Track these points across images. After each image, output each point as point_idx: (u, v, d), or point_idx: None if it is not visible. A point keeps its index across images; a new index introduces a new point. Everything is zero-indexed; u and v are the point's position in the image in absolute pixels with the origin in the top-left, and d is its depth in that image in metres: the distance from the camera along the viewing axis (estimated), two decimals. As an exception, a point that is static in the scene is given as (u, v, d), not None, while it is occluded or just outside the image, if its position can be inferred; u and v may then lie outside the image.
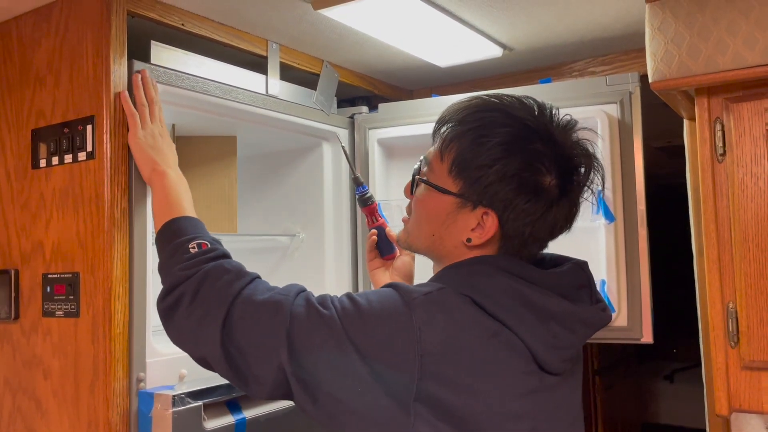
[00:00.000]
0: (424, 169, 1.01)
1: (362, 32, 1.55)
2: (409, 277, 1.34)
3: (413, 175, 1.04)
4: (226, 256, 1.08)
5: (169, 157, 1.25)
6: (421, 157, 1.04)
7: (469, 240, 0.95)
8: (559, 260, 1.02)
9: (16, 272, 1.37)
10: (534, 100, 0.98)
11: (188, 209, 1.18)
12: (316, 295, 0.96)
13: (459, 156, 0.94)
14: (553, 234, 0.98)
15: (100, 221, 1.23)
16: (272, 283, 1.02)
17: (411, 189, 1.05)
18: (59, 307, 1.28)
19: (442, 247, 0.99)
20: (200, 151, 1.74)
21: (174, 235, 1.11)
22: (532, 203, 0.92)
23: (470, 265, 0.95)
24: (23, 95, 1.38)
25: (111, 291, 1.21)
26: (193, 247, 1.07)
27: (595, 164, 0.99)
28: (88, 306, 1.24)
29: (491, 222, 0.93)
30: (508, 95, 0.99)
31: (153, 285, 1.30)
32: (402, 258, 1.34)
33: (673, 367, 4.27)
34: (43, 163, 1.33)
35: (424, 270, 1.14)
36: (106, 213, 1.22)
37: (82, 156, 1.27)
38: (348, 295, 0.92)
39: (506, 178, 0.91)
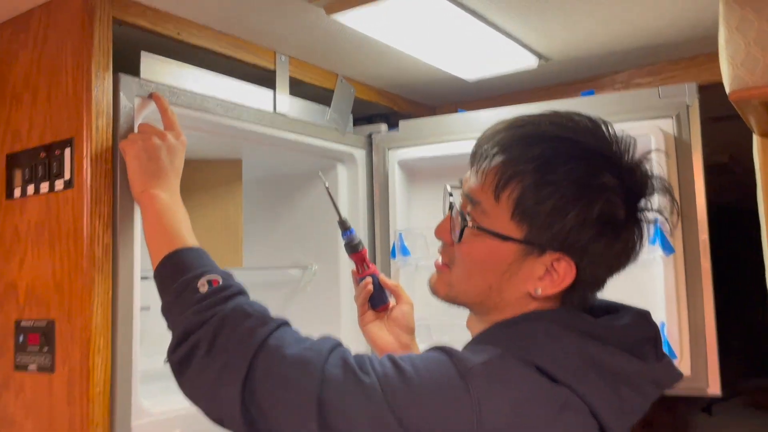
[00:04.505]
0: (470, 209, 0.84)
1: (381, 41, 1.38)
2: (410, 329, 1.17)
3: (461, 218, 0.85)
4: (242, 293, 0.94)
5: (168, 177, 1.07)
6: (451, 192, 0.89)
7: (536, 291, 0.81)
8: (613, 307, 0.88)
9: (-12, 317, 1.19)
10: (588, 117, 0.83)
11: (189, 238, 1.01)
12: (353, 352, 0.81)
13: (523, 198, 0.79)
14: (617, 272, 0.85)
15: (78, 260, 1.06)
16: None
17: (454, 233, 0.86)
18: (32, 359, 1.10)
19: (500, 301, 0.84)
20: (201, 176, 1.57)
21: (178, 271, 0.95)
22: (611, 245, 0.80)
23: (528, 323, 0.81)
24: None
25: (90, 343, 1.03)
26: (204, 285, 0.92)
27: (666, 187, 0.85)
28: (64, 360, 1.06)
29: (566, 269, 0.80)
30: (557, 113, 0.84)
31: (142, 335, 1.12)
32: (400, 308, 1.17)
33: (710, 399, 4.00)
34: (17, 192, 1.17)
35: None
36: (85, 250, 1.05)
37: (59, 184, 1.10)
38: (391, 359, 0.77)
39: (586, 223, 0.78)
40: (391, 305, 1.18)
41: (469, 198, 0.84)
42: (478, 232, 0.82)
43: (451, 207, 0.88)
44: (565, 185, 0.78)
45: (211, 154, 1.57)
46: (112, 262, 1.08)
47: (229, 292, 0.92)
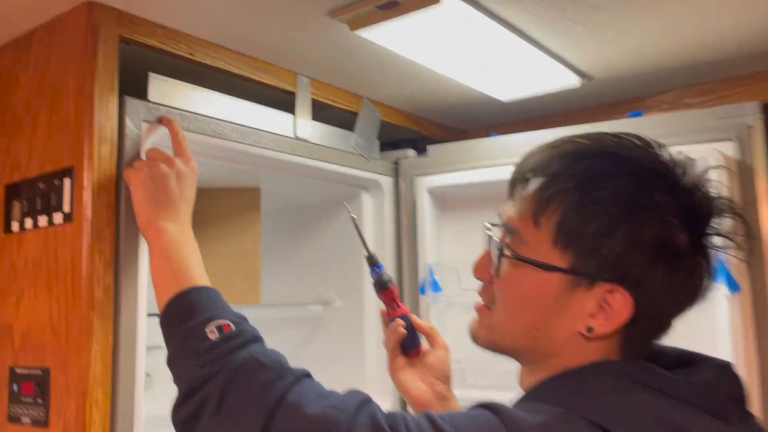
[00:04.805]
0: (508, 240, 0.74)
1: (408, 59, 1.27)
2: (446, 377, 1.05)
3: (498, 250, 0.74)
4: (257, 339, 0.84)
5: (177, 208, 0.97)
6: (490, 228, 0.78)
7: (589, 329, 0.70)
8: (688, 358, 0.76)
9: (-19, 362, 1.09)
10: (636, 136, 0.74)
11: (198, 276, 0.91)
12: (383, 408, 0.70)
13: (565, 221, 0.70)
14: (683, 311, 0.73)
15: (76, 302, 0.95)
16: (303, 362, 0.79)
17: (492, 267, 0.75)
18: (26, 411, 1.00)
19: (549, 343, 0.72)
20: (216, 205, 1.47)
21: (184, 316, 0.85)
22: (671, 275, 0.69)
23: (592, 377, 0.70)
24: (-2, 143, 1.13)
25: (86, 395, 0.92)
26: (213, 332, 0.82)
27: (733, 209, 0.73)
28: (59, 414, 0.95)
29: (621, 303, 0.69)
30: (602, 132, 0.75)
31: (152, 376, 1.01)
32: (435, 353, 1.05)
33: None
34: (15, 226, 1.07)
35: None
36: (83, 292, 0.95)
37: (57, 218, 1.00)
38: (428, 418, 0.67)
39: (638, 247, 0.68)
40: (424, 349, 1.06)
41: (507, 228, 0.74)
42: (518, 263, 0.72)
43: (489, 242, 0.78)
44: (611, 203, 0.68)
45: (226, 182, 1.47)
46: (114, 304, 0.97)
47: (241, 339, 0.82)
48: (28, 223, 1.05)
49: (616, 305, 0.68)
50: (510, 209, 0.75)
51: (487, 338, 0.77)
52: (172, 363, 0.85)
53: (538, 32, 1.19)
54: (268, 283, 1.63)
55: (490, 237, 0.78)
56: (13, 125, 1.10)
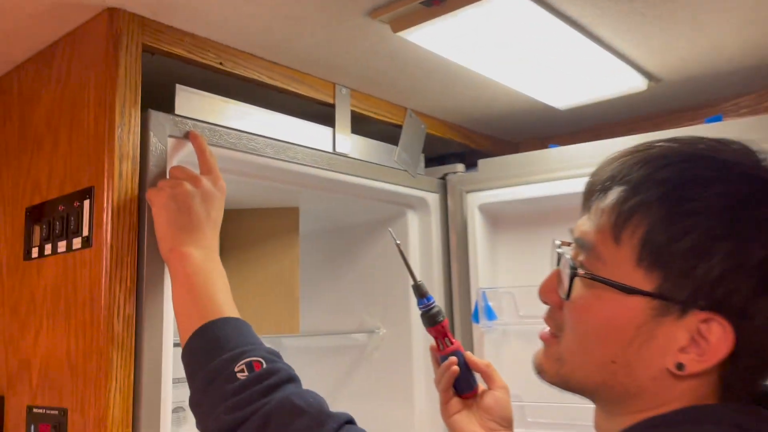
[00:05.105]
0: (581, 257, 0.63)
1: (456, 63, 1.16)
2: (507, 420, 0.94)
3: (569, 268, 0.63)
4: (292, 379, 0.75)
5: (202, 231, 0.88)
6: (560, 245, 0.67)
7: (680, 366, 0.58)
8: None
9: (0, 400, 1.02)
10: (731, 140, 0.62)
11: (225, 306, 0.83)
12: None
13: (651, 235, 0.58)
14: None
15: (94, 336, 0.86)
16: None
17: (562, 288, 0.64)
18: (43, 456, 0.91)
19: (630, 381, 0.60)
20: (251, 227, 1.38)
21: (210, 352, 0.77)
22: None
23: (688, 425, 0.58)
24: (21, 164, 1.06)
25: (104, 441, 0.83)
26: (242, 371, 0.74)
27: None
28: (75, 461, 0.86)
29: (719, 336, 0.57)
30: (693, 136, 0.64)
31: (178, 423, 0.91)
32: (493, 394, 0.94)
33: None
34: (35, 252, 1.00)
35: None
36: (102, 324, 0.85)
37: (76, 243, 0.92)
38: None
39: (742, 270, 0.56)
40: (480, 390, 0.94)
41: (581, 243, 0.63)
42: (594, 284, 0.61)
43: (559, 260, 0.66)
44: (708, 216, 0.58)
45: (262, 202, 1.38)
46: (135, 338, 0.88)
47: (275, 379, 0.73)
48: (48, 248, 0.97)
49: (713, 338, 0.56)
50: (584, 223, 0.64)
51: (555, 372, 0.65)
52: (195, 406, 0.76)
53: (603, 28, 1.07)
54: (307, 310, 1.53)
55: (559, 254, 0.66)
56: (34, 144, 1.04)
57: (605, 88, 1.30)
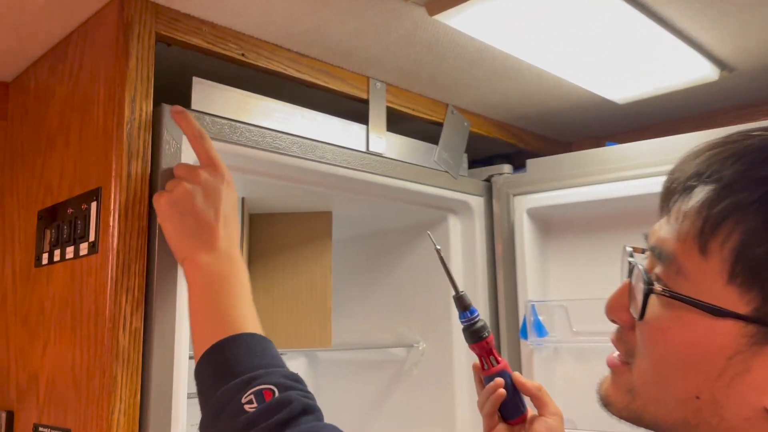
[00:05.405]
0: (658, 270, 0.52)
1: (502, 52, 1.05)
2: None
3: (644, 282, 0.52)
4: (307, 411, 0.65)
5: (212, 233, 0.78)
6: (632, 248, 0.57)
7: None
8: None
9: (10, 415, 0.95)
10: None
11: (239, 319, 0.73)
12: None
13: (747, 246, 0.47)
14: None
15: (97, 351, 0.79)
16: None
17: (634, 306, 0.54)
18: (46, 480, 0.84)
19: (718, 422, 0.51)
20: (281, 233, 1.29)
21: (219, 376, 0.68)
22: None
23: None
24: (35, 164, 1.01)
25: (105, 468, 0.75)
26: (250, 402, 0.65)
27: None
28: (76, 488, 0.78)
29: None
30: None
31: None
32: (544, 421, 0.83)
33: None
34: (45, 258, 0.93)
35: None
36: (106, 338, 0.78)
37: (83, 248, 0.85)
38: None
39: None
40: (529, 416, 0.83)
41: (658, 252, 0.52)
42: (674, 303, 0.50)
43: (631, 271, 0.56)
44: None
45: (292, 206, 1.29)
46: (143, 354, 0.80)
47: (286, 413, 0.63)
48: (57, 254, 0.90)
49: None
50: (662, 228, 0.53)
51: (624, 406, 0.55)
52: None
53: (669, 8, 0.94)
54: (340, 322, 1.44)
55: (631, 264, 0.55)
56: (47, 143, 0.98)
57: (670, 78, 1.16)
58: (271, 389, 0.65)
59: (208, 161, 0.82)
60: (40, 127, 1.00)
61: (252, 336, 0.72)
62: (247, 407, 0.63)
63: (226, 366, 0.68)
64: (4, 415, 0.95)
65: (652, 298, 0.51)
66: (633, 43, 1.02)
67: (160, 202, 0.78)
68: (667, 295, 0.50)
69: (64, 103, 0.95)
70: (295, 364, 1.50)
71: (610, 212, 1.20)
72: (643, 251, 0.56)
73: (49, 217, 0.94)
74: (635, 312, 0.53)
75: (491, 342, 0.85)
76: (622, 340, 0.56)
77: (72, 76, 0.94)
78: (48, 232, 0.93)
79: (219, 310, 0.74)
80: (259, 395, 0.64)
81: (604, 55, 1.06)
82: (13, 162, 1.07)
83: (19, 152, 1.06)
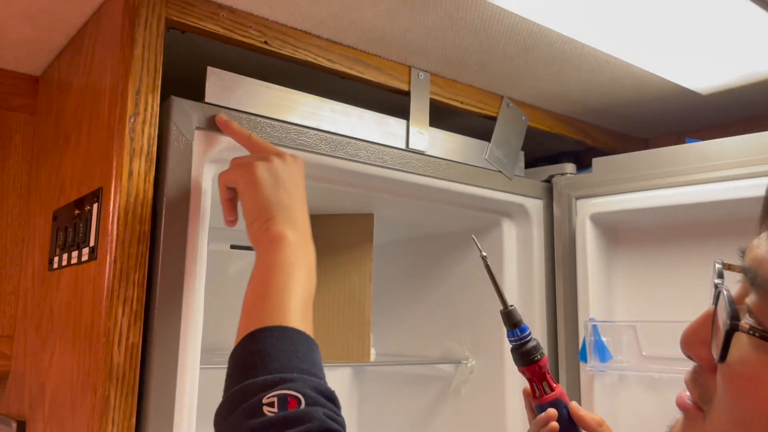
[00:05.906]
0: (751, 299, 0.41)
1: (563, 35, 0.91)
2: None
3: (728, 317, 0.40)
4: (328, 428, 0.56)
5: (297, 212, 0.73)
6: (722, 271, 0.46)
7: None
8: None
9: (22, 425, 0.91)
10: None
11: (295, 314, 0.65)
12: None
13: None
14: None
15: (92, 366, 0.72)
16: None
17: (716, 344, 0.42)
18: (44, 501, 0.78)
19: None
20: (316, 237, 1.20)
21: (249, 367, 0.60)
22: None
23: None
24: (53, 162, 0.96)
25: (93, 499, 0.68)
26: (271, 404, 0.56)
27: None
28: None
29: None
30: None
31: None
32: None
33: None
34: (56, 262, 0.88)
35: None
36: (99, 353, 0.71)
37: (84, 254, 0.78)
38: None
39: None
40: None
41: (752, 276, 0.42)
42: (766, 345, 0.39)
43: (717, 297, 0.43)
44: None
45: (326, 207, 1.20)
46: (141, 373, 0.72)
47: (302, 430, 0.54)
48: (65, 258, 0.84)
49: None
50: (761, 246, 0.41)
51: None
52: (215, 425, 0.59)
53: (765, -24, 0.78)
54: (383, 332, 1.33)
55: (719, 289, 0.43)
56: (64, 140, 0.92)
57: (763, 64, 0.98)
58: (297, 398, 0.56)
59: (277, 152, 0.76)
60: (59, 122, 0.95)
61: (300, 334, 0.63)
62: (266, 409, 0.55)
63: (260, 357, 0.60)
64: (15, 425, 0.90)
65: (739, 336, 0.39)
66: (718, 21, 0.86)
67: (254, 167, 0.72)
68: (757, 335, 0.38)
69: (78, 98, 0.89)
70: (339, 374, 1.42)
71: (690, 220, 1.03)
72: (736, 269, 0.44)
73: (61, 218, 0.88)
74: (716, 351, 0.41)
75: (545, 365, 0.73)
76: (697, 381, 0.44)
77: (85, 68, 0.88)
78: (59, 234, 0.88)
79: (275, 293, 0.65)
80: (282, 400, 0.55)
81: (683, 37, 0.90)
82: (38, 160, 1.03)
83: (44, 149, 1.02)
